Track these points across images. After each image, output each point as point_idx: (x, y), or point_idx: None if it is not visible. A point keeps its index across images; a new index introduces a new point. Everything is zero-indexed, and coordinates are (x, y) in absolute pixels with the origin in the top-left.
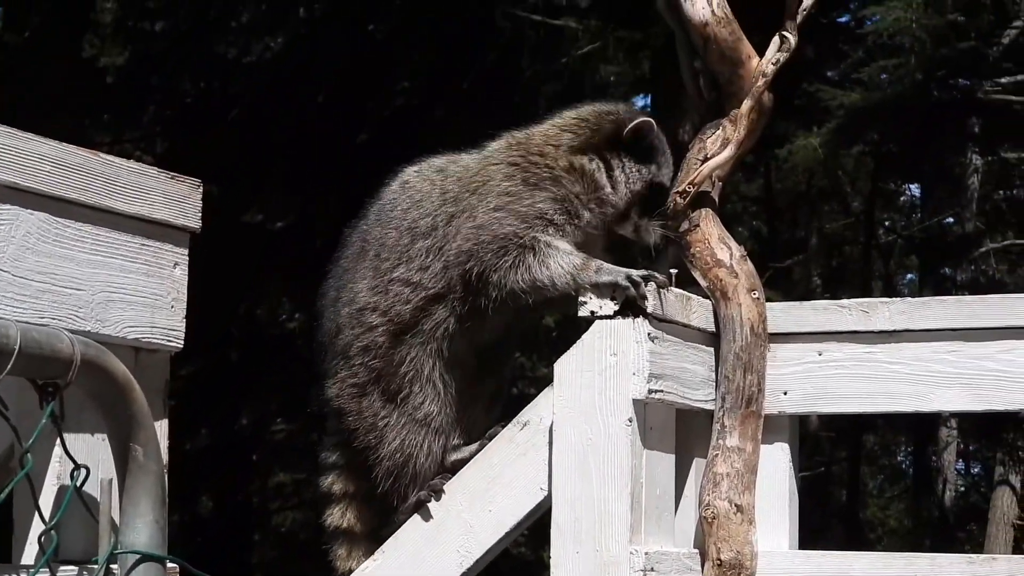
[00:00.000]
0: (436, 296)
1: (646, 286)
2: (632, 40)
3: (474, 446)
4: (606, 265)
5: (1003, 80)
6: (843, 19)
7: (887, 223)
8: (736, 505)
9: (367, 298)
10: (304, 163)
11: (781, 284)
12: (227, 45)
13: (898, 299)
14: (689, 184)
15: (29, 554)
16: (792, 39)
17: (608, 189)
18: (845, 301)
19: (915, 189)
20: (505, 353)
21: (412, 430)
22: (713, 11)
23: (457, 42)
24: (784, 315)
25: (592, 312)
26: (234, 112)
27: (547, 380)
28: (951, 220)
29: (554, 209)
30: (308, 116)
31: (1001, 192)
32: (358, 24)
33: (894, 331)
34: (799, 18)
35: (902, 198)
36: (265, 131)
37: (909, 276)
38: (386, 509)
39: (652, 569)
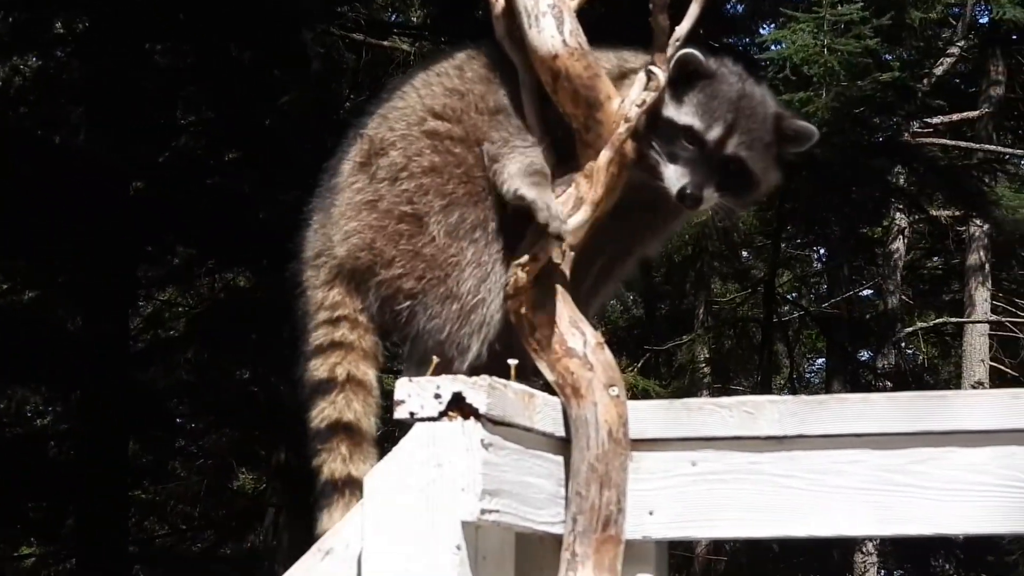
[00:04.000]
0: None
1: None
2: None
3: None
4: None
5: (934, 120)
6: (740, 44)
7: (792, 296)
8: None
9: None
10: (54, 217)
11: (662, 372)
12: None
13: (789, 397)
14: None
15: None
16: (661, 76)
17: None
18: (725, 400)
19: (825, 255)
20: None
21: (490, 270)
22: (565, 40)
23: (258, 69)
24: (650, 417)
25: (411, 413)
26: None
27: None
28: (870, 293)
29: None
30: (62, 159)
31: (932, 259)
32: (132, 45)
33: (784, 436)
34: (671, 50)
35: (813, 265)
36: (5, 176)
37: (820, 361)
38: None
39: None
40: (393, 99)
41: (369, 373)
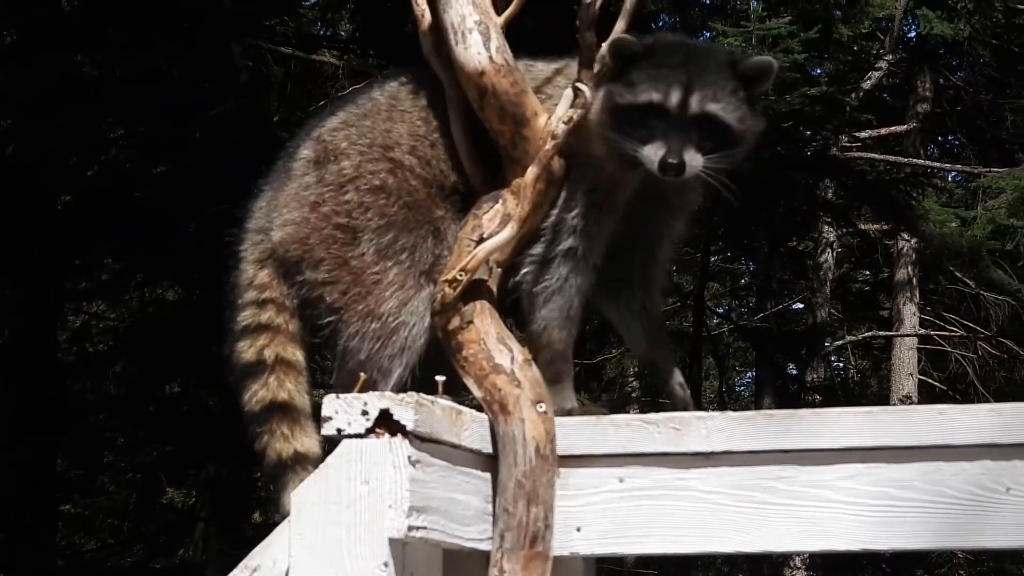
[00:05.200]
0: None
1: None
2: None
3: None
4: None
5: (862, 134)
6: None
7: (721, 310)
8: None
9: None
10: None
11: (591, 386)
12: None
13: (717, 414)
14: (461, 271)
15: None
16: (588, 93)
17: None
18: (653, 416)
19: (754, 268)
20: None
21: (413, 294)
22: (491, 57)
23: (187, 82)
24: (577, 433)
25: (338, 430)
26: None
27: None
28: (800, 307)
29: None
30: None
31: (862, 273)
32: (61, 57)
33: (712, 453)
34: (597, 67)
35: (741, 279)
36: None
37: (750, 375)
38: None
39: None
40: (361, 108)
41: (298, 354)
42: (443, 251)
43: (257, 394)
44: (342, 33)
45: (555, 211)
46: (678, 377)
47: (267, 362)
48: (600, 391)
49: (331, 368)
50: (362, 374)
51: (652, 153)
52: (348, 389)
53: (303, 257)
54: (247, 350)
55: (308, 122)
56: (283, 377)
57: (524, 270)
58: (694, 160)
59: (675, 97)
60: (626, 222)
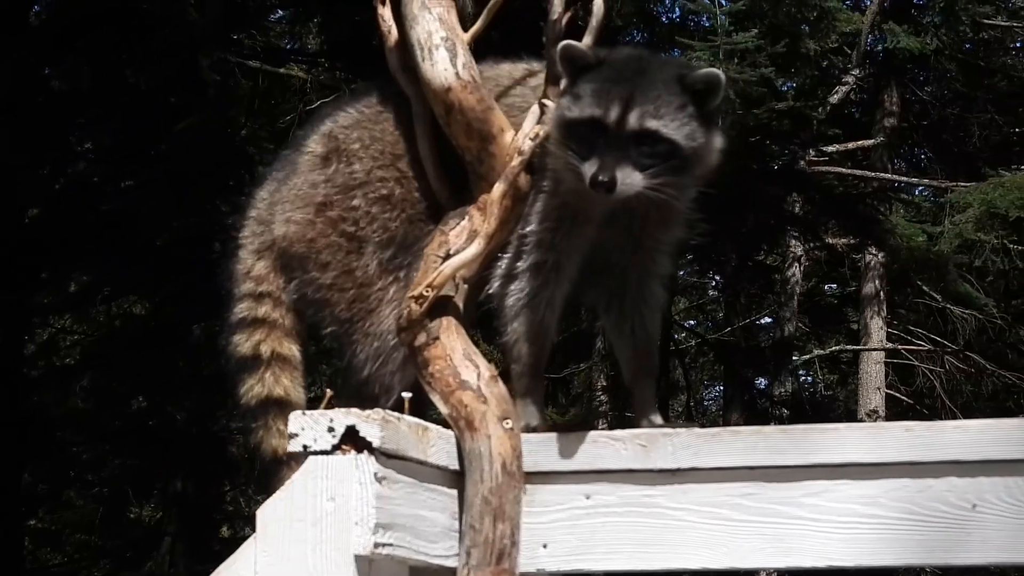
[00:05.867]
0: None
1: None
2: None
3: None
4: None
5: (829, 148)
6: None
7: (689, 324)
8: None
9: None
10: None
11: (559, 400)
12: None
13: (683, 430)
14: (427, 287)
15: None
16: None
17: None
18: (619, 432)
19: (721, 282)
20: None
21: None
22: (458, 73)
23: (154, 95)
24: (544, 449)
25: (305, 446)
26: None
27: None
28: (767, 321)
29: None
30: None
31: (830, 287)
32: (28, 70)
33: (678, 469)
34: (563, 82)
35: (709, 293)
36: None
37: (718, 389)
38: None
39: None
40: (373, 109)
41: (293, 348)
42: None
43: (253, 389)
44: (310, 47)
45: (523, 224)
46: (649, 413)
47: (263, 357)
48: (568, 405)
49: (324, 361)
50: (328, 391)
51: (587, 169)
52: (351, 400)
53: (308, 256)
54: (243, 344)
55: (319, 112)
56: (279, 373)
57: (495, 283)
58: (628, 178)
59: (614, 113)
60: (613, 234)
